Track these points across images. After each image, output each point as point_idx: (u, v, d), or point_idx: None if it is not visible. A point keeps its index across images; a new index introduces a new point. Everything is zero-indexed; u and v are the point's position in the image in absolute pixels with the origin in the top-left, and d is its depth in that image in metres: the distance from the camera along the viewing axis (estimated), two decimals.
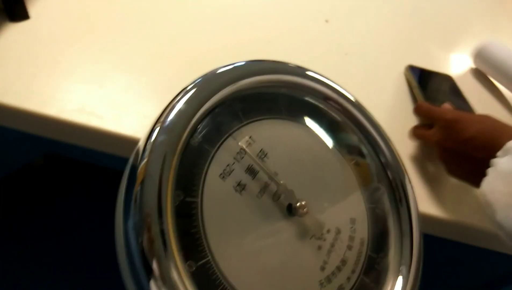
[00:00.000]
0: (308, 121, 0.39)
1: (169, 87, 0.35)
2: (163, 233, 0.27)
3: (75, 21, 0.54)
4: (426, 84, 0.65)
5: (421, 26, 0.83)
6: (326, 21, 0.69)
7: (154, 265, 0.27)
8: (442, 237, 0.53)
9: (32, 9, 0.53)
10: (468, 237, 0.54)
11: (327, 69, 0.43)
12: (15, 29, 0.51)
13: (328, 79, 0.41)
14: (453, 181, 0.54)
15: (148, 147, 0.30)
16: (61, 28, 0.53)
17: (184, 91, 0.33)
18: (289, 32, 0.66)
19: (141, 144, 0.30)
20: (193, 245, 0.29)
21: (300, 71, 0.40)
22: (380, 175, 0.41)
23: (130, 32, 0.55)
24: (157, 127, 0.31)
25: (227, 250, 0.30)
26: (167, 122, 0.31)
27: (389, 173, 0.41)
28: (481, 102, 0.66)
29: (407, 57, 0.70)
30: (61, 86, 0.47)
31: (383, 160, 0.41)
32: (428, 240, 0.43)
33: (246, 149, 0.34)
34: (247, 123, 0.35)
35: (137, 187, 0.28)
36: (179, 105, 0.32)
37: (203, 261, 0.29)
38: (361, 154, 0.41)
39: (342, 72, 0.46)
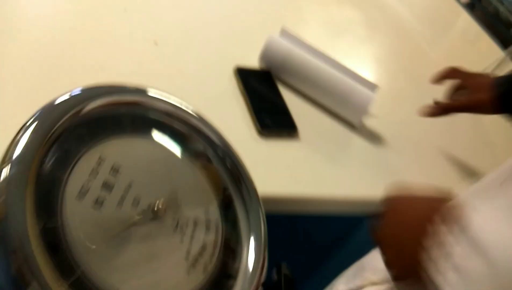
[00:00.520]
0: (156, 134, 0.44)
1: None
2: (29, 261, 0.29)
3: None
4: (252, 86, 0.75)
5: (246, 23, 0.92)
6: (155, 42, 0.74)
7: None
8: (285, 213, 0.64)
9: None
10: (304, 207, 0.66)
11: (163, 87, 0.48)
12: None
13: (164, 94, 0.46)
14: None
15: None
16: None
17: (25, 126, 0.35)
18: (120, 55, 0.68)
19: None
20: (64, 268, 0.31)
21: (137, 90, 0.44)
22: (226, 173, 0.47)
23: None
24: (4, 166, 0.31)
25: (100, 264, 0.33)
26: (13, 158, 0.32)
27: (232, 169, 0.48)
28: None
29: (236, 59, 0.78)
30: None
31: (227, 161, 0.48)
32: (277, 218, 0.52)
33: (97, 168, 0.36)
34: (94, 144, 0.38)
35: None
36: (23, 140, 0.33)
37: (74, 278, 0.31)
38: (208, 159, 0.47)
39: (177, 89, 0.51)
